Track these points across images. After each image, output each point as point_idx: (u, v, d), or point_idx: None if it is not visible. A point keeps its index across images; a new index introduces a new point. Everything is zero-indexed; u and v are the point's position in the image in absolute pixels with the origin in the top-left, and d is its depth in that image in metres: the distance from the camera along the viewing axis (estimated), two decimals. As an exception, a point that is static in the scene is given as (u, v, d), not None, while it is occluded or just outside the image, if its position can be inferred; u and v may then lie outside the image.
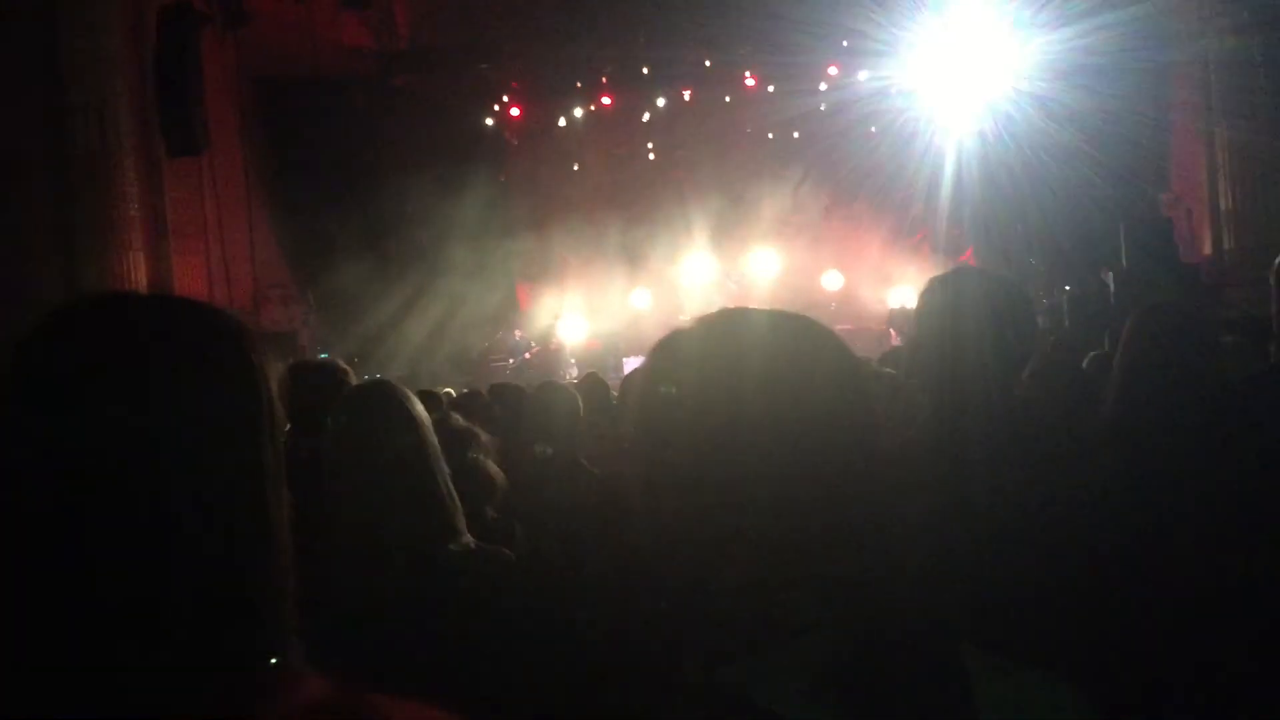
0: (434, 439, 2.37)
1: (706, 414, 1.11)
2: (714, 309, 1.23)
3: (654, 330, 16.14)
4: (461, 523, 2.31)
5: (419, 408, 2.41)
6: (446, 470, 2.34)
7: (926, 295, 2.31)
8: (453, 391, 9.21)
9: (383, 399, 2.40)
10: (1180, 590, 2.36)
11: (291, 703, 0.95)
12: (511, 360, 17.25)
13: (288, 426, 3.67)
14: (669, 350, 1.19)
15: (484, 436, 3.32)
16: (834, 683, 1.02)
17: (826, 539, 1.08)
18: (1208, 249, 13.88)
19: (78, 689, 0.89)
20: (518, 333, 17.97)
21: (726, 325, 1.19)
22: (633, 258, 19.00)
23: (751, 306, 1.22)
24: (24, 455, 0.92)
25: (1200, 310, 3.19)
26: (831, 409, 1.12)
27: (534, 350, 17.51)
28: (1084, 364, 4.76)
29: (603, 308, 18.58)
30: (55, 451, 0.92)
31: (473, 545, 2.30)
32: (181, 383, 0.97)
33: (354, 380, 3.53)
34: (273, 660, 0.98)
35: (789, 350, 1.16)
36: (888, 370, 4.76)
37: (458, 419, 3.34)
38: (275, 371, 1.07)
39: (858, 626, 1.05)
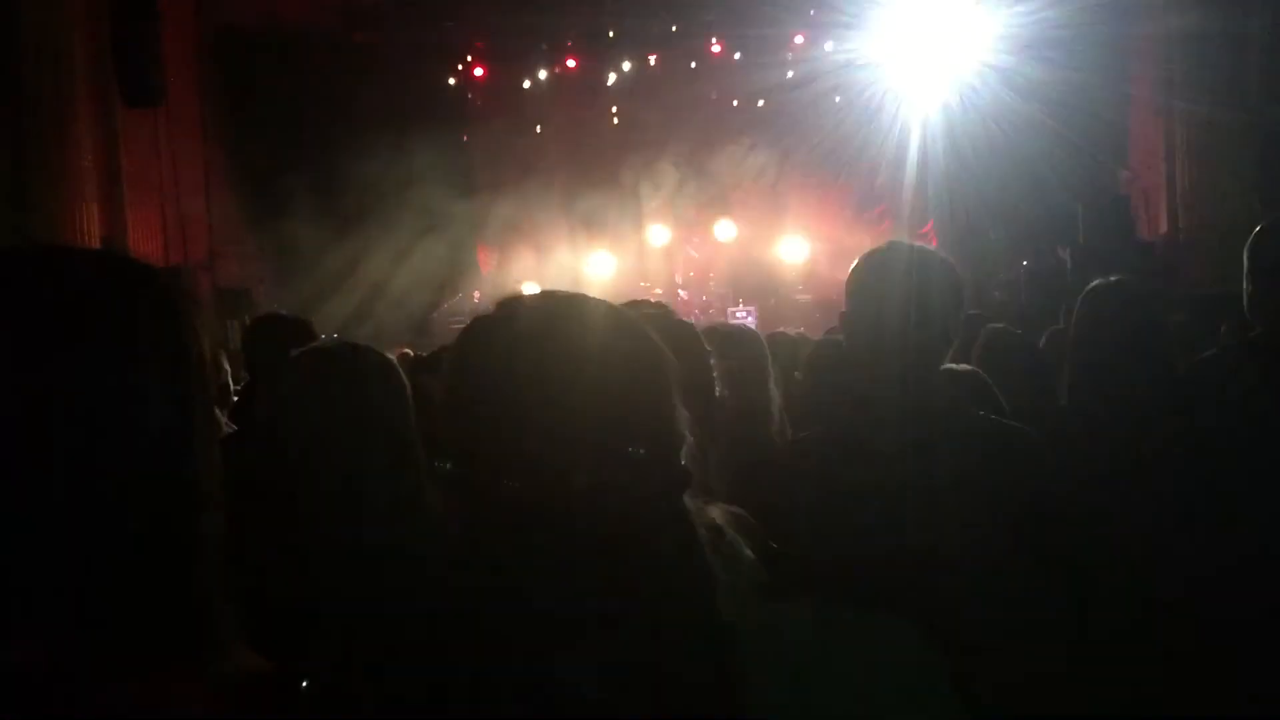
0: (408, 402, 2.33)
1: (507, 401, 1.13)
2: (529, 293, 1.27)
3: (613, 296, 16.07)
4: (430, 489, 2.28)
5: (397, 372, 2.37)
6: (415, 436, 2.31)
7: (856, 269, 2.34)
8: (410, 351, 9.16)
9: (355, 358, 2.36)
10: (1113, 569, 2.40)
11: (222, 669, 0.94)
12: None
13: (247, 380, 3.65)
14: (474, 337, 1.22)
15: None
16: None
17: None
18: (1164, 227, 14.04)
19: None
20: (476, 294, 17.89)
21: (530, 314, 1.22)
22: (595, 222, 18.93)
23: (559, 291, 1.25)
24: None
25: (1148, 288, 3.22)
26: (622, 392, 1.15)
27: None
28: (1042, 340, 4.82)
29: (564, 272, 18.52)
30: None
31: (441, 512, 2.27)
32: (94, 342, 0.94)
33: (317, 335, 3.51)
34: (202, 630, 0.96)
35: (585, 338, 1.18)
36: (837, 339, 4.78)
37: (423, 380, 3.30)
38: (217, 338, 1.04)
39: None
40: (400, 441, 2.25)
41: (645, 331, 1.19)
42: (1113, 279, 3.11)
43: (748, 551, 1.20)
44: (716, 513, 1.22)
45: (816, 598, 1.13)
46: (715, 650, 1.07)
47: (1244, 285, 3.02)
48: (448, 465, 1.17)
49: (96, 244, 12.13)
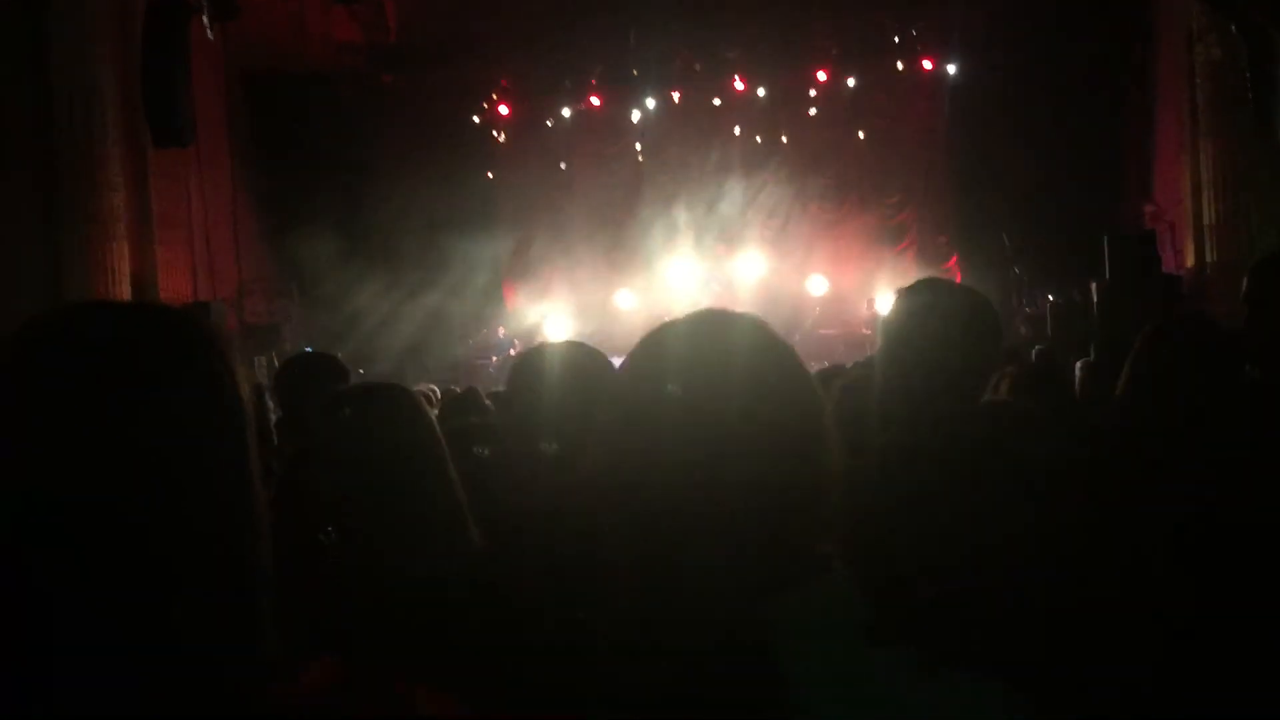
0: (440, 440, 2.34)
1: (671, 410, 1.15)
2: (696, 310, 1.26)
3: (637, 331, 16.07)
4: (469, 524, 2.29)
5: (427, 411, 2.39)
6: (454, 473, 2.32)
7: (892, 308, 2.34)
8: (435, 389, 9.18)
9: (393, 399, 2.38)
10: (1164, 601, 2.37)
11: (302, 684, 0.96)
12: (495, 358, 17.22)
13: (280, 416, 3.67)
14: (647, 350, 1.21)
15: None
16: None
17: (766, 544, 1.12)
18: (1190, 261, 13.96)
19: (69, 691, 0.89)
20: (502, 330, 17.95)
21: (705, 328, 1.23)
22: (618, 258, 19.00)
23: (722, 310, 1.26)
24: None
25: (1221, 326, 3.19)
26: (785, 419, 1.16)
27: (518, 348, 17.48)
28: (1077, 370, 4.80)
29: (588, 307, 18.56)
30: (15, 473, 0.91)
31: (481, 545, 2.28)
32: (145, 396, 0.96)
33: (349, 375, 3.53)
34: (259, 653, 0.98)
35: (762, 359, 1.19)
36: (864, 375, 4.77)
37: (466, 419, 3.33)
38: (247, 375, 1.06)
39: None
40: (438, 475, 2.28)
41: (800, 369, 1.22)
42: (1189, 312, 3.09)
43: (854, 589, 1.19)
44: (829, 546, 1.22)
45: (918, 648, 1.12)
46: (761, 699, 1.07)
47: (1245, 325, 3.00)
48: (554, 446, 1.20)
49: (127, 282, 12.26)
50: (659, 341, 1.22)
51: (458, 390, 6.71)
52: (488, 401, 5.31)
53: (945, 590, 1.83)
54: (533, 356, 2.39)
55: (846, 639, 1.11)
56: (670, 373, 1.17)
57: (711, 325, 1.22)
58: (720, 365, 1.17)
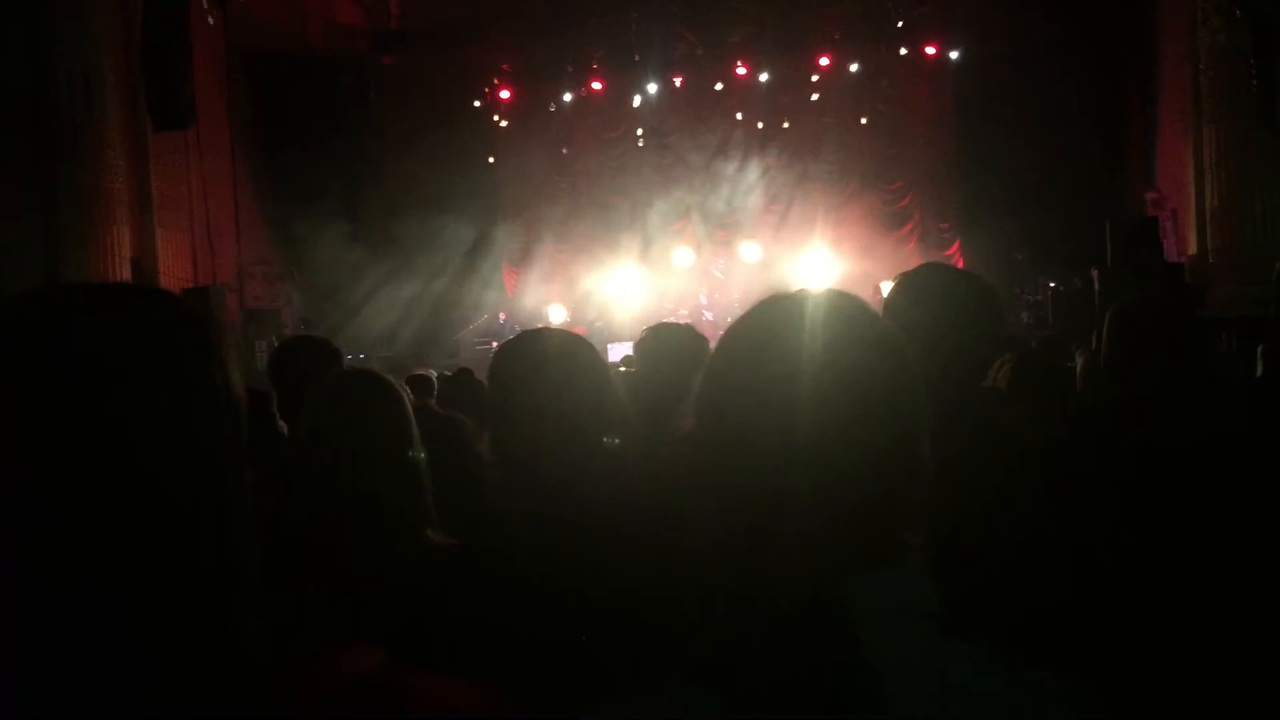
0: (414, 431, 2.35)
1: (759, 390, 1.15)
2: (805, 289, 1.27)
3: (639, 317, 16.15)
4: (431, 517, 2.30)
5: (405, 401, 2.39)
6: (424, 464, 2.33)
7: (894, 291, 2.33)
8: (433, 373, 9.17)
9: (367, 387, 2.39)
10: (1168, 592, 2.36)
11: (335, 675, 0.95)
12: (495, 343, 17.20)
13: (275, 402, 3.66)
14: (745, 329, 1.24)
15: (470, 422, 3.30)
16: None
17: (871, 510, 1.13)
18: (1192, 247, 13.94)
19: (72, 689, 0.88)
20: (503, 315, 17.94)
21: (795, 306, 1.23)
22: (619, 244, 18.97)
23: (837, 290, 1.28)
24: None
25: (1175, 308, 3.18)
26: (893, 403, 1.17)
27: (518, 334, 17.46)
28: (1077, 363, 4.79)
29: (588, 293, 18.55)
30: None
31: (438, 541, 2.28)
32: (128, 380, 0.94)
33: (342, 358, 3.51)
34: (255, 643, 0.97)
35: (854, 341, 1.21)
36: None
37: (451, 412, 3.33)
38: (235, 358, 1.04)
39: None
40: (410, 463, 2.30)
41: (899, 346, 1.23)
42: (1134, 299, 3.08)
43: (925, 579, 1.20)
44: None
45: (988, 641, 1.12)
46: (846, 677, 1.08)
47: (1272, 308, 2.99)
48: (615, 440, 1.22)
49: (126, 265, 12.24)
50: (771, 317, 1.22)
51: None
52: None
53: (990, 583, 1.83)
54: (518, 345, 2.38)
55: (920, 627, 1.12)
56: (787, 350, 1.17)
57: (825, 304, 1.23)
58: (835, 344, 1.17)
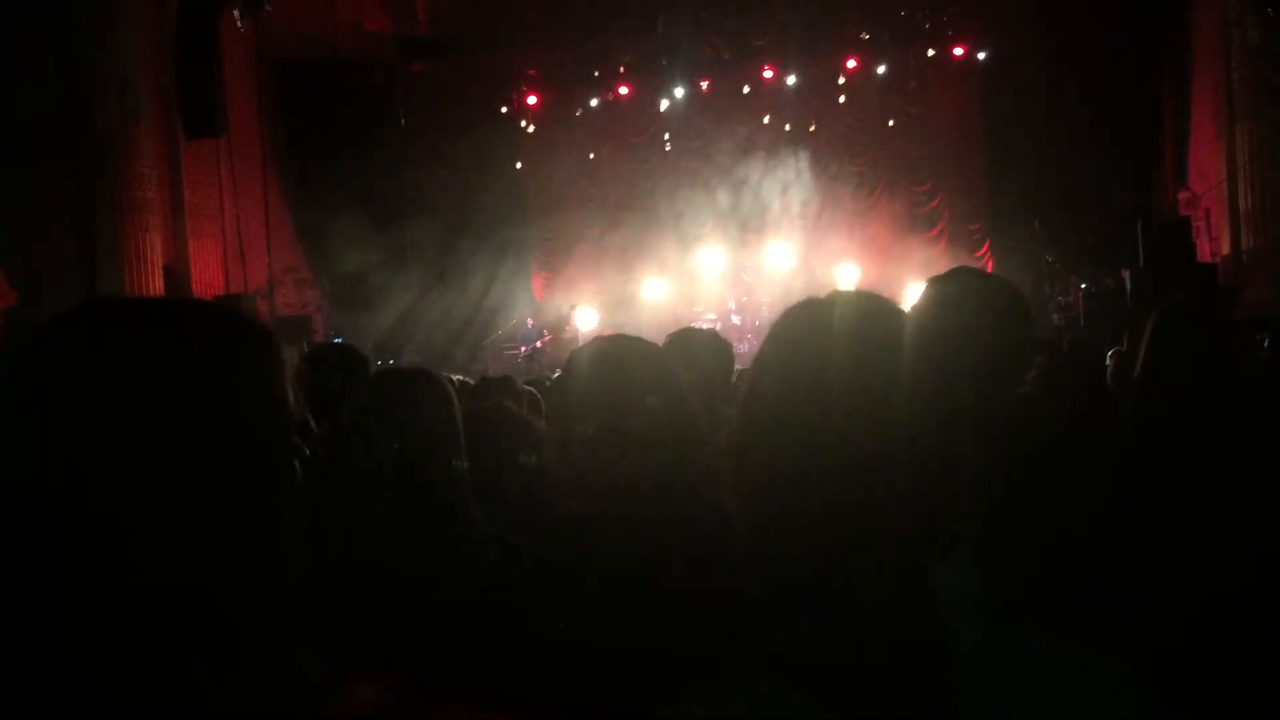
0: (459, 427, 2.36)
1: (812, 386, 1.18)
2: (833, 290, 1.32)
3: (666, 321, 16.13)
4: (475, 511, 2.31)
5: (450, 395, 2.40)
6: (465, 462, 2.34)
7: (923, 296, 2.31)
8: (456, 378, 9.20)
9: (418, 382, 2.40)
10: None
11: (349, 706, 0.95)
12: (524, 348, 17.26)
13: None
14: (800, 324, 1.26)
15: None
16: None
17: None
18: (1226, 249, 13.80)
19: (97, 697, 0.89)
20: (530, 320, 17.98)
21: (831, 307, 1.27)
22: (646, 248, 18.97)
23: (865, 291, 1.31)
24: (37, 465, 0.91)
25: (1216, 312, 3.15)
26: (931, 395, 1.22)
27: (547, 339, 17.51)
28: (1108, 359, 4.75)
29: (617, 298, 18.56)
30: (61, 462, 0.90)
31: (487, 533, 2.29)
32: (193, 393, 0.95)
33: (371, 367, 3.53)
34: (296, 664, 0.97)
35: (896, 337, 1.25)
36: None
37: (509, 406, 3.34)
38: (288, 368, 1.05)
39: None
40: (449, 457, 2.31)
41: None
42: (1179, 301, 3.05)
43: (974, 569, 1.22)
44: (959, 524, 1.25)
45: (1039, 626, 1.14)
46: (930, 665, 1.09)
47: None
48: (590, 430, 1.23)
49: (159, 273, 12.36)
50: (815, 318, 1.24)
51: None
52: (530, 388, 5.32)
53: (1053, 567, 1.83)
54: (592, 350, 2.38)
55: (974, 615, 1.14)
56: (834, 348, 1.21)
57: (864, 305, 1.25)
58: (877, 343, 1.21)
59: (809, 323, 1.24)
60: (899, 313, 1.26)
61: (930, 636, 1.10)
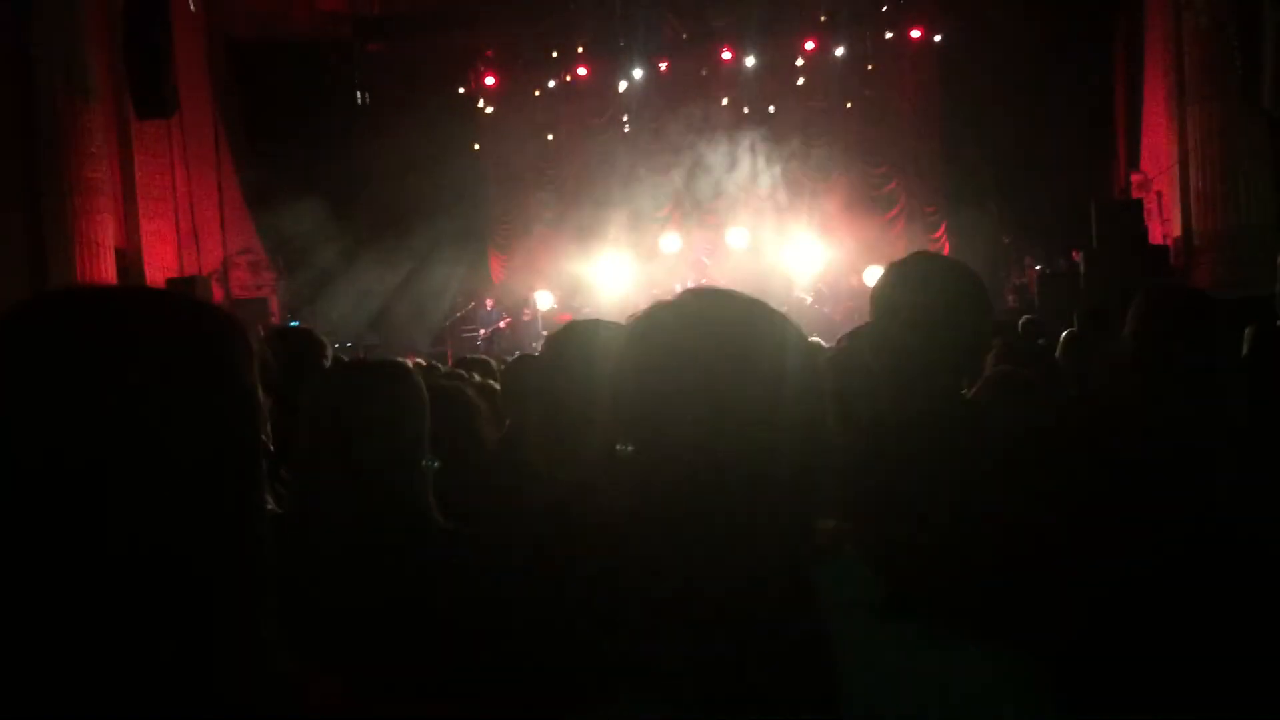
0: (425, 422, 2.34)
1: (676, 390, 1.14)
2: (685, 289, 1.26)
3: (626, 303, 16.14)
4: (430, 505, 2.29)
5: (423, 391, 2.37)
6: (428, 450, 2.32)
7: (882, 280, 2.32)
8: (422, 362, 9.17)
9: (394, 377, 2.36)
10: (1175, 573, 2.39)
11: (305, 705, 0.95)
12: (483, 331, 17.22)
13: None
14: (644, 329, 1.21)
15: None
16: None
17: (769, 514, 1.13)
18: (1177, 230, 13.99)
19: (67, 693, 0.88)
20: (489, 302, 17.92)
21: (697, 306, 1.22)
22: (607, 230, 18.96)
23: (717, 287, 1.26)
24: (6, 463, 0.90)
25: (1208, 296, 3.19)
26: (791, 391, 1.16)
27: (506, 321, 17.47)
28: (1058, 349, 4.81)
29: (576, 280, 18.54)
30: (32, 461, 0.89)
31: (444, 525, 2.28)
32: (161, 386, 0.94)
33: (328, 349, 3.50)
34: (263, 663, 0.97)
35: (756, 333, 1.19)
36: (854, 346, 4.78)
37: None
38: (256, 362, 1.04)
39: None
40: (412, 447, 2.28)
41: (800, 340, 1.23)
42: (1171, 283, 3.09)
43: (863, 567, 1.21)
44: (830, 524, 1.23)
45: (929, 621, 1.14)
46: (815, 662, 1.09)
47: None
48: (629, 448, 1.19)
49: (110, 255, 12.18)
50: (654, 323, 1.22)
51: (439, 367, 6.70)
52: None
53: (946, 563, 1.84)
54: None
55: (859, 616, 1.13)
56: (668, 354, 1.17)
57: (704, 303, 1.22)
58: (716, 342, 1.16)
59: (669, 324, 1.21)
60: (765, 314, 1.24)
61: (813, 640, 1.09)
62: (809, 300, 16.91)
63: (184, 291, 1.06)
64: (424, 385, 2.38)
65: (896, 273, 2.31)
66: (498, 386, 4.05)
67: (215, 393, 0.97)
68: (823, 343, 5.77)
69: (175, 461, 0.93)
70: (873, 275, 16.95)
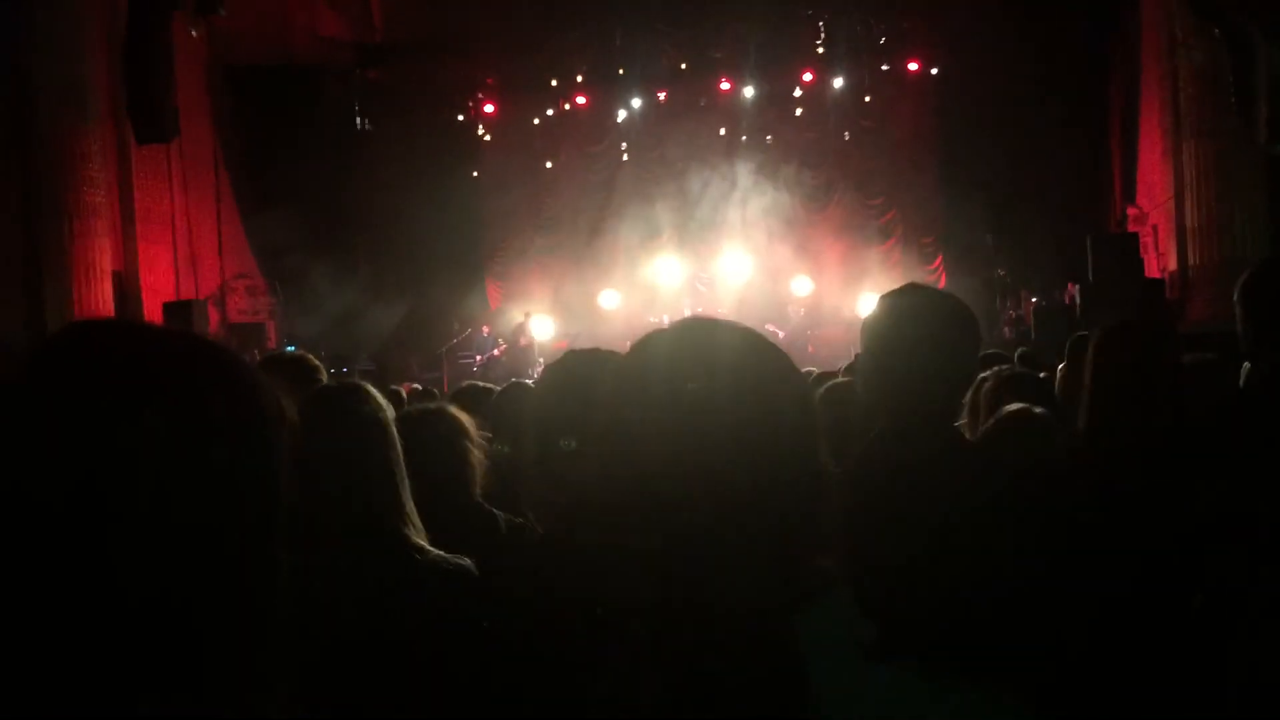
0: (396, 445, 2.34)
1: (669, 418, 1.14)
2: (682, 316, 1.25)
3: (622, 331, 16.15)
4: (418, 533, 2.28)
5: (385, 411, 2.37)
6: (404, 477, 2.32)
7: (874, 312, 2.33)
8: (418, 387, 9.15)
9: (348, 402, 2.36)
10: (1141, 609, 2.38)
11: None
12: (479, 357, 17.19)
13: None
14: (641, 357, 1.21)
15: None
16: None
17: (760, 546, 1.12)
18: (1173, 264, 14.03)
19: None
20: (486, 329, 17.91)
21: (693, 335, 1.21)
22: (603, 257, 18.99)
23: (716, 315, 1.25)
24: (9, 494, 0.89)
25: (1163, 328, 3.20)
26: (786, 423, 1.15)
27: (502, 348, 17.46)
28: (1057, 381, 4.81)
29: (572, 307, 18.55)
30: (38, 498, 0.87)
31: (432, 556, 2.27)
32: (180, 433, 0.92)
33: (324, 376, 3.49)
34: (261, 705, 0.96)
35: (753, 364, 1.19)
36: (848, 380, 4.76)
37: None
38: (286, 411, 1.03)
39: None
40: (387, 473, 2.28)
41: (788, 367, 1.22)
42: (1125, 320, 3.10)
43: (853, 606, 1.20)
44: (828, 561, 1.22)
45: (920, 661, 1.13)
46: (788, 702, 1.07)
47: (1239, 328, 3.01)
48: (572, 443, 1.18)
49: (108, 279, 12.17)
50: (648, 352, 1.21)
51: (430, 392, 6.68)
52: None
53: (937, 603, 1.83)
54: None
55: (850, 656, 1.12)
56: (661, 382, 1.16)
57: (699, 333, 1.21)
58: (710, 372, 1.15)
59: (645, 360, 1.21)
60: (754, 342, 1.23)
61: (788, 684, 1.08)
62: (780, 334, 16.54)
63: (222, 344, 1.05)
64: (385, 406, 2.39)
65: (888, 304, 2.31)
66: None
67: (236, 448, 0.96)
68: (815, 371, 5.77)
69: (185, 511, 0.91)
70: (866, 304, 16.96)
